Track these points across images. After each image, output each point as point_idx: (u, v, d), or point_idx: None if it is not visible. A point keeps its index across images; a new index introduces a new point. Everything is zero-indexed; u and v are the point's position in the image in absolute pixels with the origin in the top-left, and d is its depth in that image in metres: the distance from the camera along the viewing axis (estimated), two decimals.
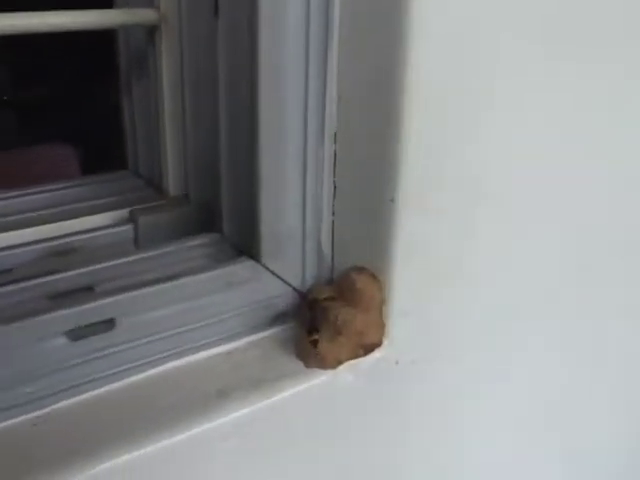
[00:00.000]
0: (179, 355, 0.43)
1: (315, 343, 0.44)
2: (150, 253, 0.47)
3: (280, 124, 0.42)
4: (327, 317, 0.45)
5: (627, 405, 0.68)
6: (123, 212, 0.51)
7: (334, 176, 0.45)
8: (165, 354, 0.42)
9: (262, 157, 0.42)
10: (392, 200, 0.42)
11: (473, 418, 0.55)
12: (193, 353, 0.43)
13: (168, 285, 0.42)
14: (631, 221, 0.56)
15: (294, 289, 0.47)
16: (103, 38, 0.69)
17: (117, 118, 0.63)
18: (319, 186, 0.45)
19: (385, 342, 0.46)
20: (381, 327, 0.47)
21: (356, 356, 0.46)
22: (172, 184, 0.54)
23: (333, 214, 0.46)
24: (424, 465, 0.55)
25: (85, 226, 0.50)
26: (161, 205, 0.52)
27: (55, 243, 0.48)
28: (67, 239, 0.48)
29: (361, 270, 0.46)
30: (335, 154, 0.44)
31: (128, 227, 0.49)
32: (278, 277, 0.46)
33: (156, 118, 0.53)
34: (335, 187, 0.45)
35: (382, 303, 0.46)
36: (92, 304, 0.40)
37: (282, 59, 0.41)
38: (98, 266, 0.45)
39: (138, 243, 0.49)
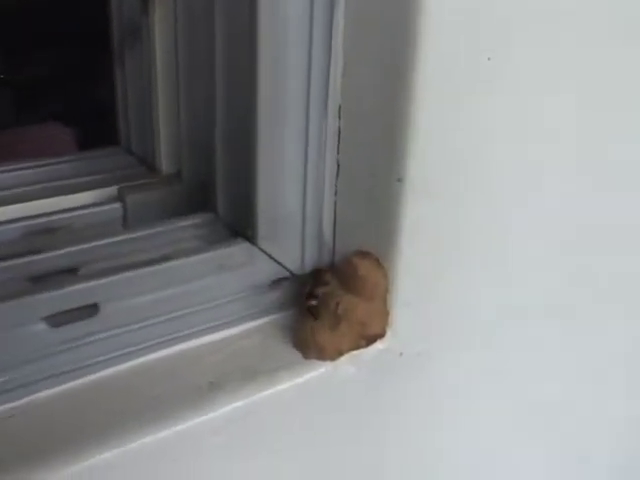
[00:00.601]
0: (168, 343, 0.40)
1: (314, 312, 0.41)
2: (139, 233, 0.44)
3: (280, 97, 0.39)
4: (327, 305, 0.42)
5: (627, 406, 0.66)
6: (111, 190, 0.48)
7: (338, 153, 0.42)
8: (153, 342, 0.40)
9: (260, 132, 0.39)
10: (400, 180, 0.39)
11: (480, 414, 0.53)
12: (183, 341, 0.41)
13: (157, 268, 0.39)
14: (634, 216, 0.53)
15: (292, 274, 0.44)
16: (99, 16, 0.66)
17: (114, 97, 0.59)
18: (321, 164, 0.42)
19: (389, 333, 0.44)
20: (385, 317, 0.44)
21: (358, 347, 0.43)
22: (164, 161, 0.51)
23: (335, 194, 0.43)
24: (426, 461, 0.53)
25: (71, 204, 0.46)
26: (152, 183, 0.49)
27: (39, 221, 0.45)
28: (51, 217, 0.45)
29: (365, 255, 0.43)
30: (339, 130, 0.41)
31: (116, 206, 0.46)
32: (275, 261, 0.43)
33: (149, 93, 0.50)
34: (339, 166, 0.42)
35: (386, 291, 0.43)
36: (75, 287, 0.37)
37: (284, 26, 0.38)
38: (83, 246, 0.42)
39: (126, 223, 0.46)
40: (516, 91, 0.41)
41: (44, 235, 0.44)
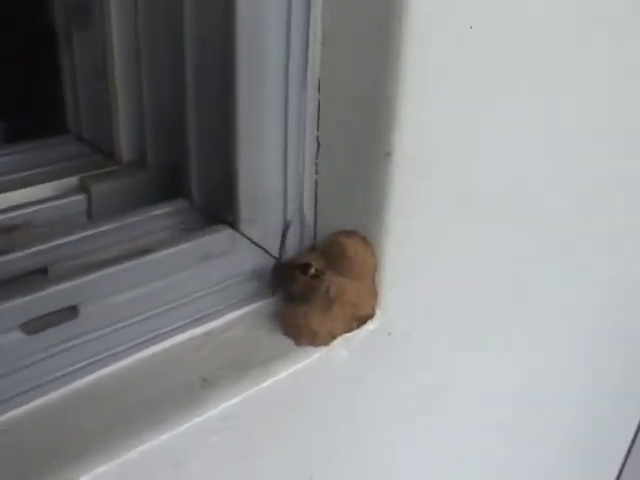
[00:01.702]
0: (154, 341, 0.38)
1: (317, 278, 0.39)
2: (108, 226, 0.41)
3: (258, 70, 0.37)
4: (317, 289, 0.40)
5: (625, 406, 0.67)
6: (71, 180, 0.45)
7: (317, 130, 0.40)
8: (137, 341, 0.37)
9: (239, 108, 0.37)
10: (388, 154, 0.37)
11: (468, 392, 0.52)
12: (169, 337, 0.38)
13: (138, 262, 0.36)
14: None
15: (275, 258, 0.42)
16: None
17: (56, 81, 0.55)
18: (301, 140, 0.40)
19: (378, 312, 0.42)
20: (374, 296, 0.42)
21: (350, 329, 0.41)
22: (124, 146, 0.47)
23: (316, 172, 0.41)
24: (422, 441, 0.52)
25: (28, 198, 0.43)
26: (115, 171, 0.45)
27: None
28: (9, 214, 0.41)
29: (350, 234, 0.41)
30: (319, 104, 0.39)
31: (79, 197, 0.43)
32: (258, 246, 0.41)
33: (104, 73, 0.46)
34: (318, 142, 0.40)
35: (375, 270, 0.42)
36: (48, 290, 0.34)
37: None
38: (49, 244, 0.38)
39: (92, 215, 0.43)
40: (500, 60, 0.40)
41: (3, 234, 0.40)
